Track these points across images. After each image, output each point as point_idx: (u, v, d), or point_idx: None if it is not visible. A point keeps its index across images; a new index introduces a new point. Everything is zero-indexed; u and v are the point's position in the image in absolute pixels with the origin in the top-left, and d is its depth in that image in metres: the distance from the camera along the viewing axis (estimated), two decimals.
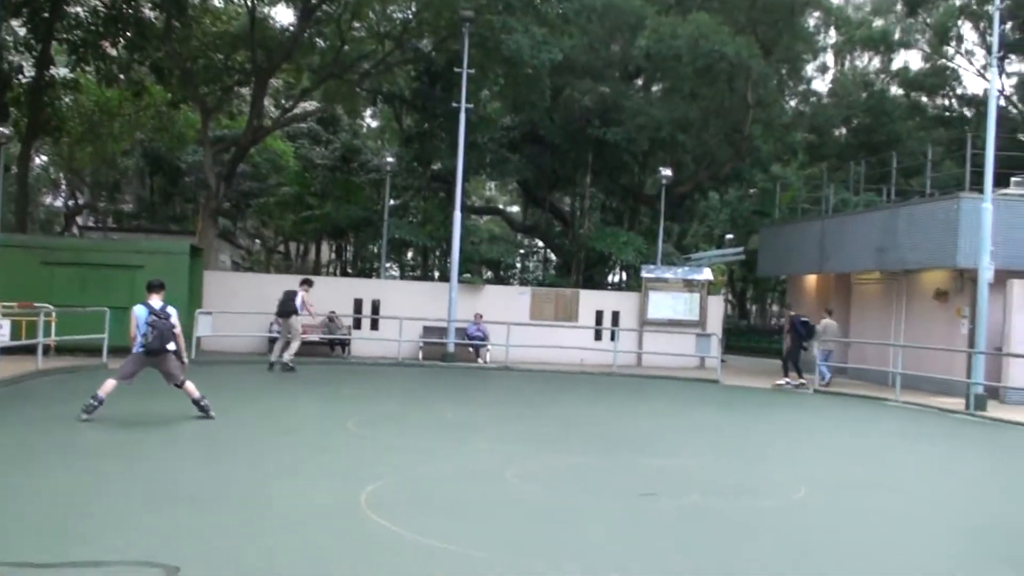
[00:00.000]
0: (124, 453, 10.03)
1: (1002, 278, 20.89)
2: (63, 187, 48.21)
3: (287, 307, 20.71)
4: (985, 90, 38.59)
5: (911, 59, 48.31)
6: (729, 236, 45.34)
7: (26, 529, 6.63)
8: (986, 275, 19.42)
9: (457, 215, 26.81)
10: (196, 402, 12.88)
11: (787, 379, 23.29)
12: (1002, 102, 42.32)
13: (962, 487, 10.85)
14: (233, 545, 6.46)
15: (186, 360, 13.31)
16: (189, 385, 12.89)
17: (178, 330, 12.83)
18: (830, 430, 16.04)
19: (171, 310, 12.83)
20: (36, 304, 19.49)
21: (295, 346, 20.71)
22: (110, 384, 12.53)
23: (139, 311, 12.59)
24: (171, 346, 12.68)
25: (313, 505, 7.79)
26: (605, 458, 11.27)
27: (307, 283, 21.82)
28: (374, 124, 51.17)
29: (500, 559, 6.45)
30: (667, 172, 32.31)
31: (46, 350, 19.14)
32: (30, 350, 18.40)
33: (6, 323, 17.85)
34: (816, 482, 10.18)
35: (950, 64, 44.78)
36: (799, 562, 6.88)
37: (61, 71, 32.08)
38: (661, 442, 13.34)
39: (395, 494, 8.48)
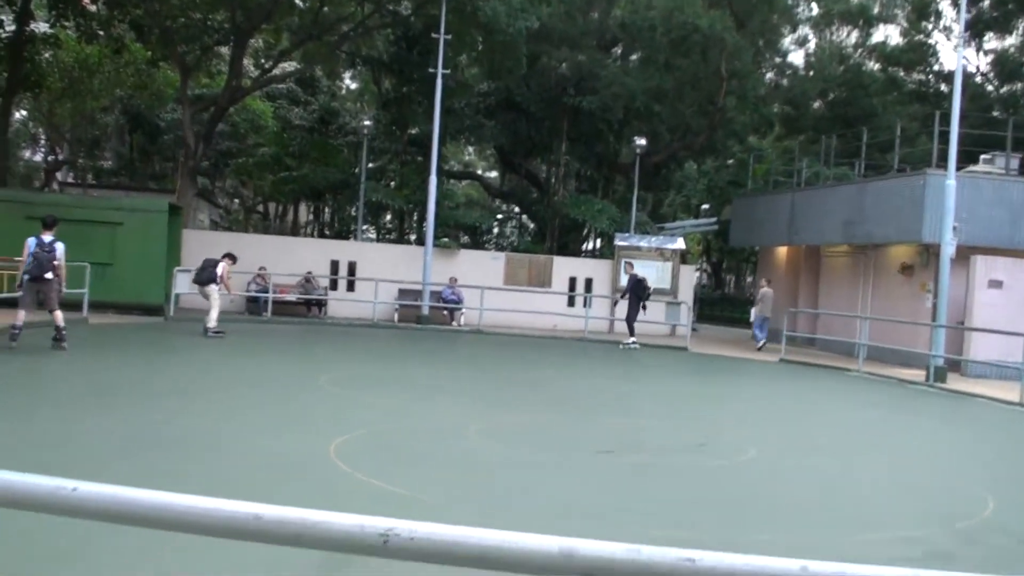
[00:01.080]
0: (104, 405, 10.40)
1: (966, 254, 21.44)
2: (43, 142, 48.10)
3: (204, 275, 20.00)
4: (963, 67, 39.22)
5: (890, 34, 48.68)
6: (705, 206, 45.80)
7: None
8: (949, 250, 19.90)
9: (433, 180, 27.12)
10: (57, 329, 14.75)
11: (633, 340, 23.86)
12: (979, 79, 42.98)
13: (905, 451, 11.37)
14: (208, 486, 6.87)
15: (63, 289, 15.28)
16: (58, 314, 14.73)
17: (58, 262, 14.71)
18: (790, 397, 16.56)
19: (58, 245, 14.85)
20: (16, 259, 19.69)
21: (214, 313, 19.74)
22: (20, 314, 14.69)
23: (30, 242, 14.72)
24: (48, 275, 14.54)
25: (285, 454, 8.21)
26: (567, 418, 11.74)
27: (230, 257, 20.82)
28: (353, 87, 51.23)
29: (445, 504, 6.90)
30: (641, 141, 32.71)
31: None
32: (12, 304, 18.64)
33: None
34: (767, 445, 10.68)
35: (928, 40, 45.16)
36: (737, 512, 7.38)
37: (41, 26, 32.02)
38: (623, 404, 13.83)
39: (363, 445, 8.92)
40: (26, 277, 14.57)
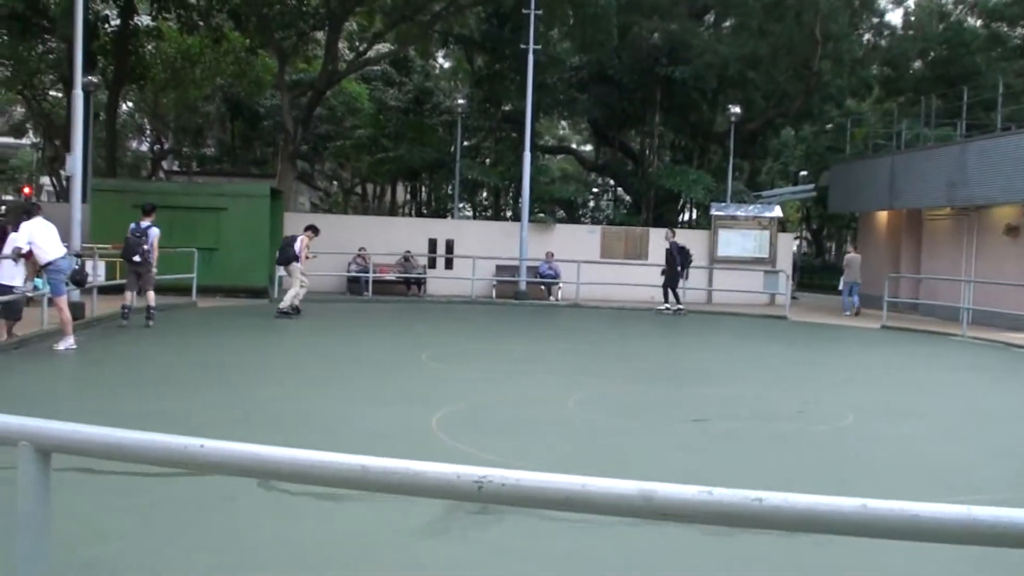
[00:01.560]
0: (216, 382, 10.88)
1: None
2: (148, 132, 49.58)
3: (283, 255, 19.75)
4: None
5: None
6: (803, 173, 45.12)
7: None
8: None
9: (527, 155, 27.29)
10: (147, 308, 16.06)
11: (667, 305, 23.90)
12: None
13: (1008, 417, 11.20)
14: None
15: (154, 271, 16.47)
16: (150, 294, 16.13)
17: (147, 247, 15.96)
18: (891, 364, 16.36)
19: (152, 231, 16.16)
20: None
21: (293, 292, 19.30)
22: (127, 295, 16.21)
23: (131, 227, 16.20)
24: (136, 258, 15.86)
25: (388, 427, 8.52)
26: (664, 387, 11.87)
27: (311, 229, 20.53)
28: (446, 65, 51.59)
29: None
30: (736, 110, 32.39)
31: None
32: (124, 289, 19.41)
33: (101, 264, 18.83)
34: (865, 410, 10.64)
35: None
36: (831, 476, 7.44)
37: (144, 19, 33.04)
38: (720, 374, 13.88)
39: (463, 418, 9.19)
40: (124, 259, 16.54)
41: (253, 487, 6.20)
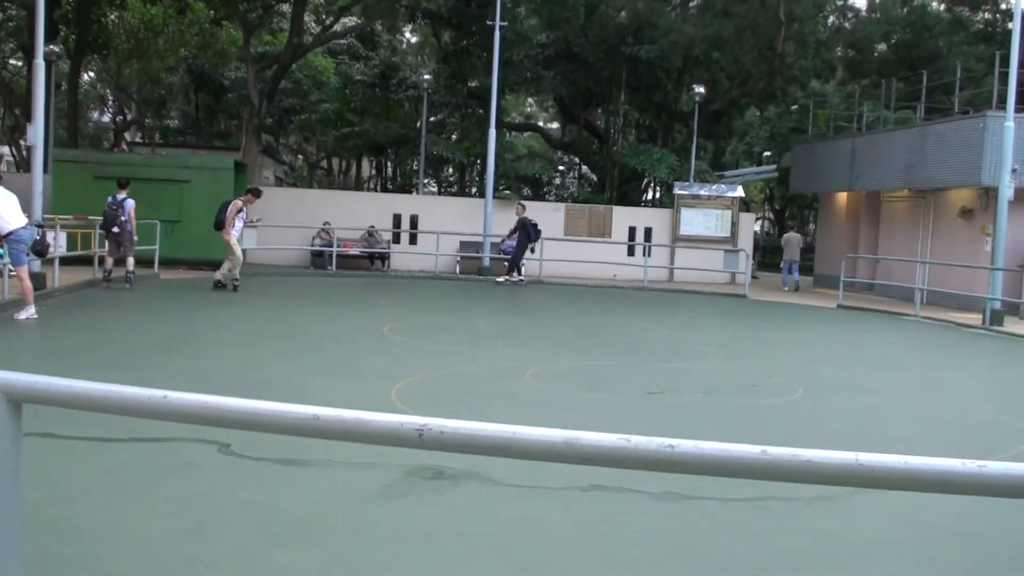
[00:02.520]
0: (177, 352, 10.99)
1: None
2: (110, 103, 49.17)
3: (216, 220, 18.58)
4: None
5: None
6: (767, 153, 45.55)
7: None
8: (1006, 193, 19.80)
9: (492, 132, 27.41)
10: (127, 272, 17.79)
11: (507, 276, 24.77)
12: None
13: (951, 391, 11.56)
14: None
15: (135, 239, 17.97)
16: (130, 260, 17.84)
17: (125, 217, 17.43)
18: (843, 341, 16.73)
19: (127, 202, 17.64)
20: (90, 217, 20.50)
21: (225, 265, 18.45)
22: (107, 260, 17.91)
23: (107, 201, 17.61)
24: (115, 229, 17.33)
25: (347, 397, 8.71)
26: (622, 362, 12.12)
27: (251, 192, 19.34)
28: (413, 40, 51.49)
29: None
30: (700, 89, 32.69)
31: (101, 260, 20.18)
32: (85, 260, 19.44)
33: (62, 235, 18.81)
34: (814, 385, 10.95)
35: None
36: (775, 441, 7.69)
37: None
38: (678, 349, 14.16)
39: (422, 389, 9.39)
40: (101, 230, 18.09)
41: (214, 453, 6.37)
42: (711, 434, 7.43)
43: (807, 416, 9.19)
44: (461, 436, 2.15)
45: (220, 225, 18.30)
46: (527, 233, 24.66)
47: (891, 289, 25.81)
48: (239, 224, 18.58)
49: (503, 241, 27.39)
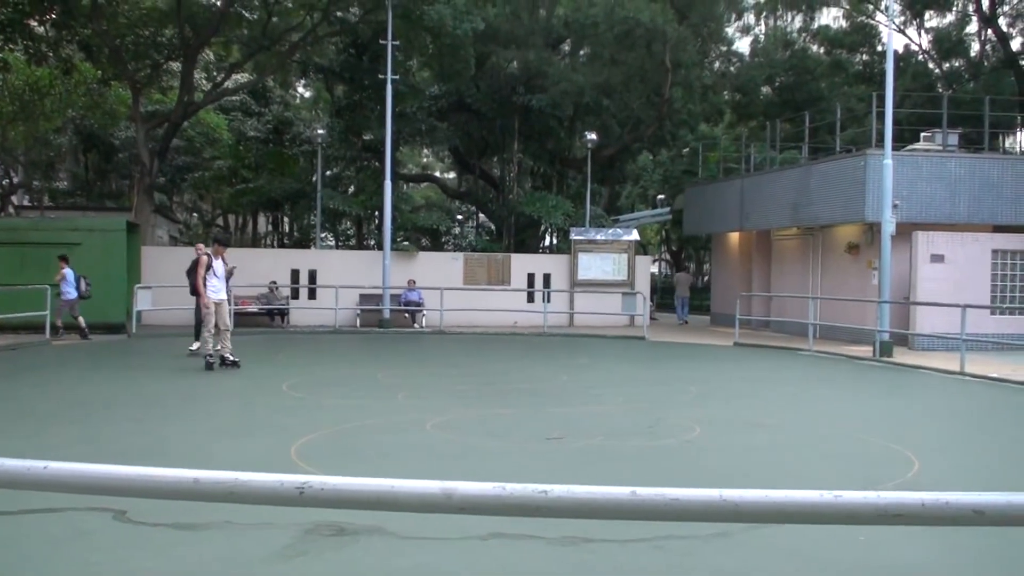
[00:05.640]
0: (71, 419, 10.73)
1: (908, 231, 22.14)
2: None
3: (190, 283, 16.95)
4: (905, 46, 40.03)
5: (834, 17, 49.40)
6: (661, 196, 46.41)
7: None
8: (888, 228, 20.53)
9: (387, 184, 27.46)
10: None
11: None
12: (921, 57, 43.85)
13: (842, 423, 11.87)
14: None
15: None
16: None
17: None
18: (740, 379, 17.07)
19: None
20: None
21: (205, 332, 16.04)
22: None
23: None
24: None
25: (247, 457, 8.61)
26: (522, 409, 12.20)
27: (217, 241, 16.89)
28: (307, 95, 51.42)
29: None
30: (592, 136, 33.28)
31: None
32: None
33: None
34: (711, 423, 11.17)
35: (871, 20, 45.93)
36: (671, 483, 7.83)
37: None
38: (577, 394, 14.28)
39: (323, 445, 9.34)
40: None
41: (109, 521, 6.26)
42: (609, 477, 7.56)
43: (703, 455, 9.37)
44: (341, 492, 2.19)
45: (194, 290, 16.21)
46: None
47: (785, 325, 26.47)
48: (214, 282, 15.87)
49: (404, 293, 27.40)
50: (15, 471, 2.33)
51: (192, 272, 16.73)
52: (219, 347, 15.89)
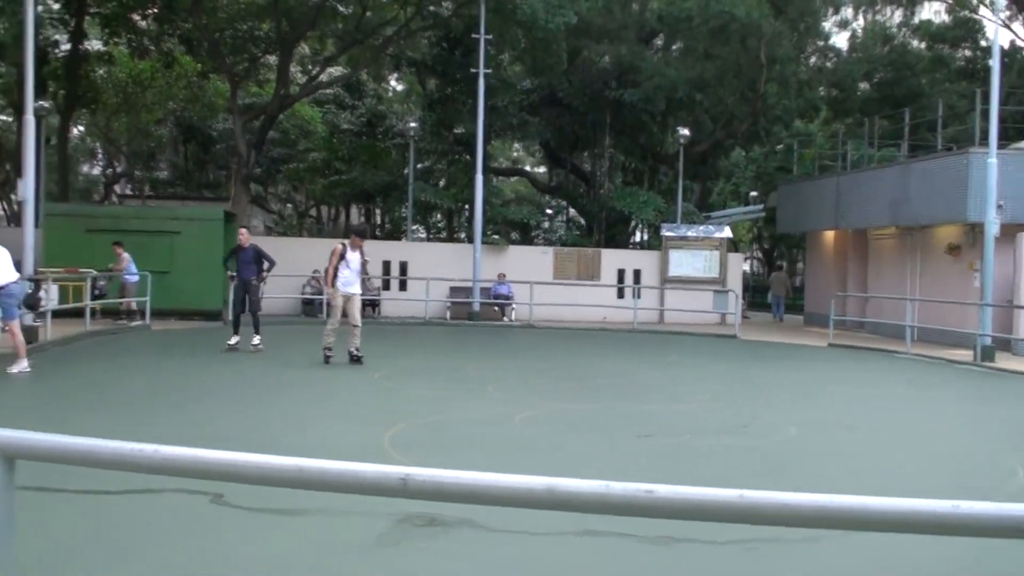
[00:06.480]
0: (169, 403, 10.98)
1: (1013, 232, 21.46)
2: (100, 156, 49.38)
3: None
4: (1010, 42, 38.86)
5: (935, 11, 48.20)
6: (754, 193, 45.83)
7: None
8: (992, 229, 19.95)
9: (479, 178, 27.57)
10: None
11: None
12: None
13: (943, 429, 11.60)
14: None
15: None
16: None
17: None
18: (835, 380, 16.75)
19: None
20: (81, 269, 20.59)
21: (330, 326, 15.70)
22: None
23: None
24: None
25: (342, 446, 8.72)
26: (611, 405, 12.14)
27: (355, 233, 16.87)
28: (399, 88, 51.86)
29: None
30: (685, 132, 32.98)
31: (92, 313, 20.32)
32: (77, 313, 19.47)
33: (54, 288, 18.83)
34: (807, 424, 10.97)
35: (974, 15, 44.66)
36: (764, 485, 7.69)
37: (95, 44, 33.05)
38: (667, 391, 14.17)
39: (415, 435, 9.41)
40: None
41: (206, 504, 6.38)
42: (700, 476, 7.47)
43: (798, 456, 9.20)
44: (443, 484, 2.19)
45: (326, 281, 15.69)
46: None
47: (881, 327, 25.88)
48: (346, 274, 15.30)
49: (494, 286, 27.49)
50: (128, 454, 2.38)
51: (253, 259, 16.65)
52: (331, 341, 15.53)
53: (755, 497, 2.11)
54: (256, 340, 16.56)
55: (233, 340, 16.72)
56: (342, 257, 15.16)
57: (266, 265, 17.02)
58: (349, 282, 15.27)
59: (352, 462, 2.26)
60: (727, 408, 12.40)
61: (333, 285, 15.28)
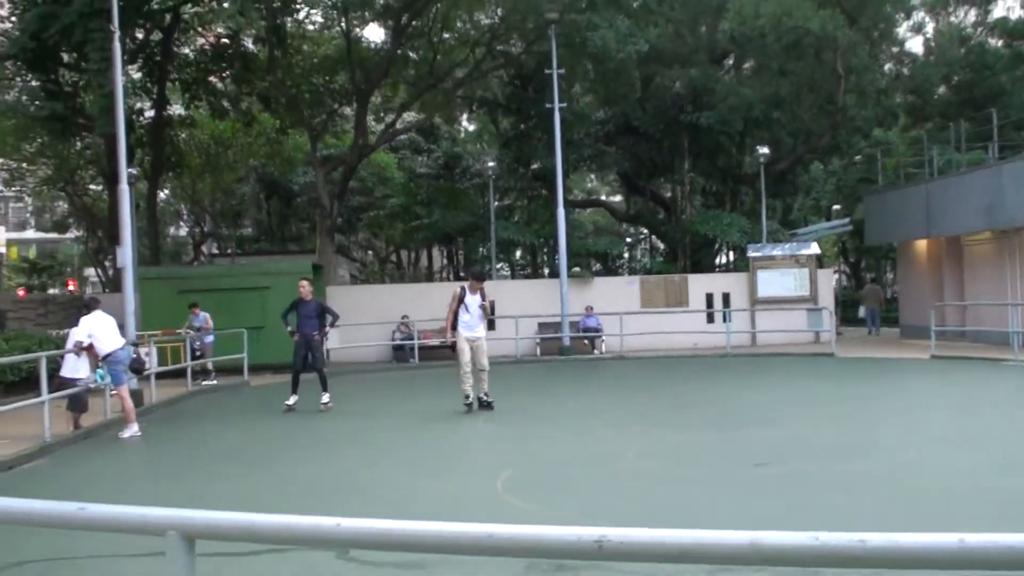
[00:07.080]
0: (277, 458, 11.04)
1: None
2: (186, 217, 50.50)
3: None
4: None
5: (1008, 7, 47.11)
6: (836, 207, 45.11)
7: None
8: None
9: (560, 212, 27.55)
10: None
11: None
12: None
13: None
14: None
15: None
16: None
17: None
18: (944, 393, 16.30)
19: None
20: (178, 330, 20.99)
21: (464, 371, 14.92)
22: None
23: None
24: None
25: (457, 494, 8.65)
26: (720, 433, 11.92)
27: (472, 276, 15.97)
28: (471, 128, 52.23)
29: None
30: (764, 150, 32.65)
31: (203, 372, 20.78)
32: (177, 374, 19.80)
33: (155, 350, 19.20)
34: (927, 443, 10.63)
35: None
36: (908, 512, 7.45)
37: (176, 109, 33.90)
38: (774, 415, 13.87)
39: (527, 478, 9.31)
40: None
41: (333, 560, 6.35)
42: (829, 507, 7.21)
43: (927, 480, 8.84)
44: (642, 545, 2.11)
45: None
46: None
47: (984, 334, 25.16)
48: (466, 318, 14.79)
49: (583, 319, 27.37)
50: (305, 529, 2.33)
51: (315, 314, 15.88)
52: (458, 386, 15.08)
53: (977, 541, 1.98)
54: (325, 398, 15.86)
55: (291, 400, 15.77)
56: (461, 300, 14.78)
57: (329, 319, 16.30)
58: (470, 326, 14.81)
59: (544, 526, 2.19)
60: (836, 430, 12.10)
61: (453, 329, 14.89)
